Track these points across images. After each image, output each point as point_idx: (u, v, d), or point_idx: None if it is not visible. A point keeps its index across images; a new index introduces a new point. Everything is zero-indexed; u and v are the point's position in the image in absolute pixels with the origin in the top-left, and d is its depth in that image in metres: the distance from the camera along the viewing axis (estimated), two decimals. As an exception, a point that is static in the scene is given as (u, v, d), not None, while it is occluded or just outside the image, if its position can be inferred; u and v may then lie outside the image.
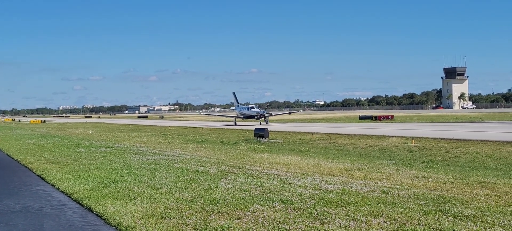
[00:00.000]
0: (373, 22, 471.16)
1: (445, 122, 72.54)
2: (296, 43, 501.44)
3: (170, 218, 13.57)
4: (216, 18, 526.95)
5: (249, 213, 13.88)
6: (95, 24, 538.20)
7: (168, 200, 16.04)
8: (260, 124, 74.61)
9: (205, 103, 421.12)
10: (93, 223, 13.88)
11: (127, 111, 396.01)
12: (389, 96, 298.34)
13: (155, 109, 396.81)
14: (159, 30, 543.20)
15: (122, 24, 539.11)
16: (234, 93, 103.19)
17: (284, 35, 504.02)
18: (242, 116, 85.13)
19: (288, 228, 12.24)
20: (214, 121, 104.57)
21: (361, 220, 12.76)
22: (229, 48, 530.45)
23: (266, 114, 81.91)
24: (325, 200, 15.45)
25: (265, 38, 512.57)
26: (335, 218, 13.08)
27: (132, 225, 13.01)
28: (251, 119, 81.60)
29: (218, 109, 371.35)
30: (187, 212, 14.24)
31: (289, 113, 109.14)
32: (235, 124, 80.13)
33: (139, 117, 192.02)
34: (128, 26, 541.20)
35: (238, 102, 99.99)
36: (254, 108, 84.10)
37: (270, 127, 63.67)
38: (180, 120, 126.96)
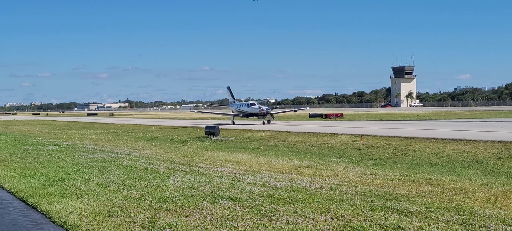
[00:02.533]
0: (324, 21, 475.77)
1: (393, 120, 73.69)
2: (249, 41, 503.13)
3: (117, 216, 13.43)
4: (168, 15, 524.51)
5: (198, 211, 13.85)
6: (45, 20, 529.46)
7: (116, 198, 15.88)
8: (264, 123, 68.18)
9: (156, 101, 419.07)
10: (38, 221, 13.63)
11: (76, 108, 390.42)
12: (339, 94, 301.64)
13: (105, 107, 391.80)
14: (111, 26, 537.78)
15: (73, 21, 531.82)
16: (228, 88, 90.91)
17: (236, 33, 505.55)
18: (241, 114, 75.13)
19: (236, 225, 12.26)
20: (208, 119, 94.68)
21: (309, 217, 12.86)
22: (182, 46, 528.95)
23: (272, 112, 75.38)
24: (274, 197, 15.52)
25: (217, 36, 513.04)
26: (283, 215, 13.16)
27: (78, 223, 12.82)
28: (250, 117, 73.59)
29: (168, 107, 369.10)
30: (135, 210, 14.12)
31: (295, 111, 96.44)
32: (233, 123, 72.20)
33: (88, 115, 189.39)
34: (79, 23, 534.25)
35: (234, 98, 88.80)
36: (255, 104, 74.32)
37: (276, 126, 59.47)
38: (131, 118, 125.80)
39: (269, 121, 70.66)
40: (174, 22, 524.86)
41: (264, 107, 72.30)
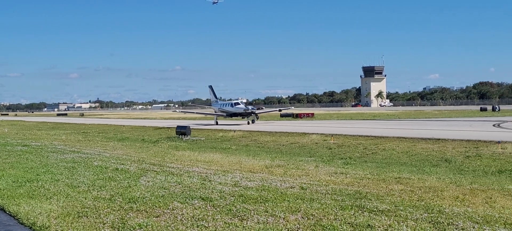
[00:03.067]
0: (296, 21, 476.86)
1: (364, 120, 74.24)
2: (220, 41, 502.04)
3: (87, 217, 13.33)
4: (140, 14, 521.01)
5: (168, 211, 13.80)
6: (15, 20, 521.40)
7: (85, 199, 15.76)
8: (249, 123, 66.64)
9: (127, 101, 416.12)
10: (6, 223, 13.47)
11: (46, 109, 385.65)
12: (310, 94, 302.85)
13: (76, 107, 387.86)
14: (82, 26, 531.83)
15: (43, 21, 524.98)
16: (210, 86, 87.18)
17: (208, 33, 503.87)
18: (224, 114, 72.21)
19: (206, 225, 12.25)
20: (191, 119, 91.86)
21: (279, 216, 12.91)
22: (153, 46, 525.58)
23: (257, 112, 73.05)
24: (245, 197, 15.54)
25: (189, 35, 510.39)
26: (253, 214, 13.18)
27: (47, 224, 12.70)
28: (235, 117, 71.07)
29: (139, 107, 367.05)
30: (105, 210, 14.03)
31: (280, 110, 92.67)
32: (217, 123, 69.55)
33: (58, 115, 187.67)
34: (49, 23, 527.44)
35: (216, 98, 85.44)
36: (239, 104, 72.10)
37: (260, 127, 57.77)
38: (101, 118, 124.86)
39: (253, 121, 68.78)
40: (145, 22, 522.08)
41: (249, 107, 70.76)
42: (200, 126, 62.55)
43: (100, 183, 18.94)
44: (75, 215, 13.62)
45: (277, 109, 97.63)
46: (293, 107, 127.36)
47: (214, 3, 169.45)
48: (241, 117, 70.28)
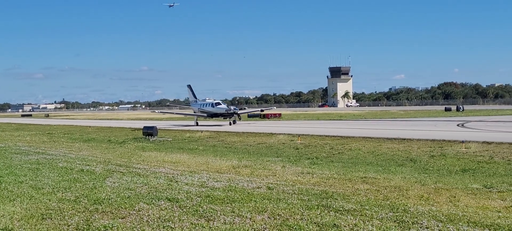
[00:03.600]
0: (262, 21, 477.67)
1: (330, 120, 74.73)
2: (187, 41, 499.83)
3: (51, 219, 13.16)
4: (106, 14, 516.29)
5: (134, 212, 13.70)
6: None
7: (49, 201, 15.55)
8: (230, 124, 65.01)
9: (93, 102, 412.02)
10: (-32, 226, 13.23)
11: (10, 110, 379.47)
12: (277, 94, 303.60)
13: (41, 108, 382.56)
14: (47, 26, 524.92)
15: (7, 20, 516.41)
16: (189, 86, 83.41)
17: (175, 33, 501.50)
18: (205, 114, 69.99)
19: (173, 226, 12.19)
20: (170, 119, 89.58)
21: (246, 216, 12.91)
22: (120, 46, 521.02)
23: (239, 112, 71.24)
24: (212, 197, 15.50)
25: (156, 36, 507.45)
26: (220, 215, 13.16)
27: (10, 227, 12.50)
28: (216, 118, 69.13)
29: (106, 107, 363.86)
30: (70, 212, 13.86)
31: (262, 111, 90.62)
32: (197, 124, 67.74)
33: (23, 116, 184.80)
34: (13, 22, 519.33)
35: (195, 98, 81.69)
36: (221, 104, 69.96)
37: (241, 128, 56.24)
38: (67, 119, 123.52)
39: (234, 121, 67.04)
40: (112, 22, 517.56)
41: (231, 107, 69.37)
42: (180, 127, 61.19)
43: (65, 184, 18.71)
44: (39, 217, 13.44)
45: (259, 109, 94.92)
46: (274, 108, 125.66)
47: (170, 6, 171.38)
48: (222, 118, 68.61)
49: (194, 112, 75.14)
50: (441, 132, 40.63)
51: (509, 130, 41.32)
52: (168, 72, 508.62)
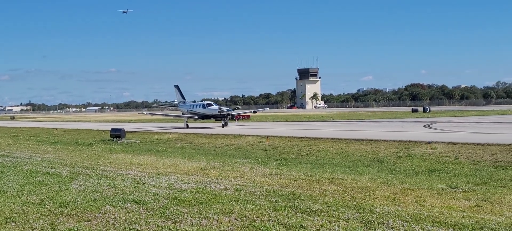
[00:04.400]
0: (231, 23, 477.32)
1: (299, 121, 74.94)
2: (156, 43, 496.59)
3: (15, 223, 12.97)
4: (74, 16, 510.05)
5: (100, 215, 13.58)
6: None
7: (14, 204, 15.33)
8: (223, 126, 60.38)
9: (60, 104, 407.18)
10: None
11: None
12: (246, 96, 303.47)
13: (6, 110, 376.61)
14: (13, 27, 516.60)
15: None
16: (177, 86, 77.88)
17: (143, 35, 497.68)
18: (195, 116, 65.73)
19: (139, 228, 12.11)
20: (158, 121, 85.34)
21: (213, 218, 12.88)
22: (88, 47, 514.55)
23: (233, 113, 66.41)
24: (179, 199, 15.44)
25: (124, 37, 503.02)
26: (187, 217, 13.11)
27: (-27, 231, 12.30)
28: (207, 119, 65.33)
29: (73, 109, 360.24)
30: (34, 215, 13.68)
31: (255, 112, 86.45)
32: (187, 126, 64.06)
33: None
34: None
35: (184, 99, 76.43)
36: (212, 105, 65.73)
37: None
38: (33, 121, 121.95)
39: (226, 123, 62.14)
40: (80, 23, 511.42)
41: (224, 108, 64.51)
42: (170, 130, 57.77)
43: (30, 187, 18.48)
44: (2, 221, 13.24)
45: (252, 111, 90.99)
46: (268, 108, 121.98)
47: (124, 12, 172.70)
48: (214, 119, 64.91)
49: (183, 114, 71.22)
50: (407, 133, 41.02)
51: (474, 131, 41.89)
52: (137, 74, 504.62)
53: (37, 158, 30.70)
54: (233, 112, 66.90)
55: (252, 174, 21.65)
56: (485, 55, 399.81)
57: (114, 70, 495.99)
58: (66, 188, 18.03)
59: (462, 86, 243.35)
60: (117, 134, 46.31)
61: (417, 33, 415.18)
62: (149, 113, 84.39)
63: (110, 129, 50.35)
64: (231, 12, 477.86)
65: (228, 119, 62.99)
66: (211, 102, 68.91)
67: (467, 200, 15.17)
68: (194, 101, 76.40)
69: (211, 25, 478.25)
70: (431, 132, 43.53)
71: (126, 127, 66.52)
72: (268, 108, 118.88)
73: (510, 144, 28.24)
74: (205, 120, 66.04)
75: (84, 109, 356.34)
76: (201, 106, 66.20)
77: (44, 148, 40.21)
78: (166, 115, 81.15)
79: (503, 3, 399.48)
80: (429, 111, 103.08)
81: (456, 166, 23.73)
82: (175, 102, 77.73)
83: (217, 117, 63.19)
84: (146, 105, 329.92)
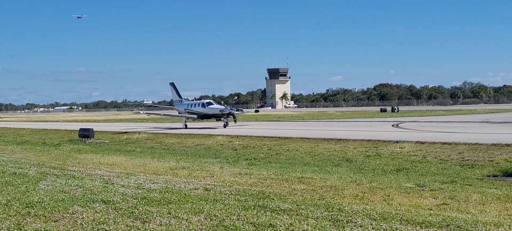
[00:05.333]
0: (202, 23, 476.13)
1: (269, 121, 75.06)
2: (126, 42, 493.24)
3: (-19, 224, 12.78)
4: (42, 15, 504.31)
5: (68, 215, 13.43)
6: None
7: (-21, 205, 15.08)
8: (225, 126, 56.79)
9: (27, 103, 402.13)
10: None
11: None
12: (216, 96, 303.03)
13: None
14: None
15: None
16: (173, 84, 74.31)
17: (113, 34, 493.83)
18: (194, 115, 62.17)
19: (107, 229, 12.00)
20: (155, 121, 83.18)
21: (182, 218, 12.83)
22: (56, 47, 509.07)
23: (236, 113, 61.12)
24: (148, 199, 15.35)
25: (93, 36, 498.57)
26: (156, 216, 13.04)
27: None
28: (207, 119, 61.71)
29: (41, 109, 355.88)
30: (1, 216, 13.46)
31: (257, 111, 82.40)
32: (186, 127, 60.41)
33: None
34: None
35: (180, 97, 72.67)
36: (213, 104, 62.00)
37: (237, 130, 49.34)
38: (0, 121, 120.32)
39: (227, 124, 57.72)
40: (48, 22, 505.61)
41: (226, 107, 60.60)
42: (165, 130, 55.97)
43: (-4, 188, 18.20)
44: (-32, 221, 13.02)
45: (254, 110, 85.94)
46: (270, 107, 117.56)
47: (78, 17, 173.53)
48: (215, 119, 61.28)
49: (179, 113, 67.93)
50: (376, 132, 41.36)
51: (442, 130, 42.39)
52: (106, 74, 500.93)
53: (4, 158, 30.28)
54: (236, 112, 61.76)
55: (222, 173, 21.64)
56: (452, 56, 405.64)
57: (83, 70, 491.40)
58: (33, 189, 17.79)
59: (430, 86, 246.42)
60: (85, 133, 45.94)
61: (386, 34, 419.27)
62: (145, 113, 79.84)
63: (78, 129, 49.88)
64: (201, 13, 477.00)
65: (228, 118, 58.52)
66: (211, 101, 65.05)
67: (434, 198, 15.37)
68: (193, 100, 73.39)
69: (181, 26, 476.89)
70: (399, 131, 43.94)
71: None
72: (270, 108, 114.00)
73: (476, 143, 28.64)
74: (204, 120, 62.90)
75: (52, 109, 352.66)
76: (200, 105, 62.75)
77: (10, 148, 39.72)
78: (163, 115, 76.69)
79: (469, 4, 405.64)
80: (398, 111, 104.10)
81: (423, 164, 24.02)
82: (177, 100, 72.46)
83: (218, 117, 59.43)
84: (115, 105, 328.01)
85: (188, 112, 63.81)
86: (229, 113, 57.86)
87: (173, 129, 57.65)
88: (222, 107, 60.45)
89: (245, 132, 46.29)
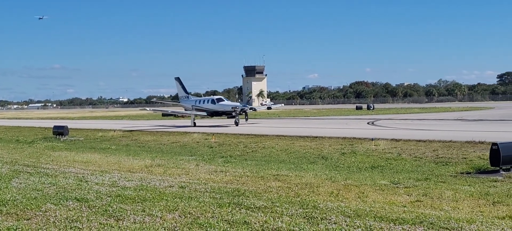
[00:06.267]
0: (177, 19, 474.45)
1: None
2: (102, 39, 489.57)
3: (-48, 222, 12.58)
4: (16, 10, 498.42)
5: (41, 213, 13.27)
6: None
7: (-50, 203, 14.85)
8: (236, 124, 53.91)
9: (1, 100, 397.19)
10: None
11: None
12: (192, 93, 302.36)
13: None
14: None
15: None
16: (178, 79, 70.18)
17: (89, 31, 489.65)
18: (204, 113, 58.97)
19: (80, 227, 11.89)
20: (160, 118, 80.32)
21: (157, 215, 12.75)
22: (31, 43, 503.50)
23: (247, 109, 58.50)
24: (122, 197, 15.24)
25: (69, 33, 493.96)
26: (130, 214, 12.94)
27: None
28: (217, 116, 59.30)
29: (14, 106, 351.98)
30: (-28, 214, 13.29)
31: (269, 108, 77.01)
32: (194, 124, 56.92)
33: None
34: None
35: (187, 93, 69.03)
36: (223, 100, 59.44)
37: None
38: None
39: (238, 122, 54.81)
40: (23, 19, 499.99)
41: (238, 104, 57.85)
42: (172, 128, 53.37)
43: (-32, 186, 17.94)
44: None
45: (266, 106, 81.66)
46: (283, 104, 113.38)
47: (39, 18, 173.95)
48: (226, 116, 58.33)
49: (186, 109, 64.90)
50: (352, 130, 41.58)
51: (417, 128, 42.75)
52: (82, 71, 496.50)
53: (-24, 156, 29.90)
54: (248, 109, 59.10)
55: (197, 171, 21.59)
56: (427, 54, 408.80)
57: (58, 66, 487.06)
58: (6, 186, 17.57)
59: (405, 84, 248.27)
60: (60, 131, 45.54)
61: (362, 32, 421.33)
62: (152, 110, 76.02)
63: (53, 126, 49.43)
64: (177, 9, 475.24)
65: (246, 115, 56.63)
66: (222, 97, 63.45)
67: (408, 195, 15.47)
68: (201, 96, 70.93)
69: (157, 22, 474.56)
70: (374, 129, 44.26)
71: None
72: (283, 104, 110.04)
73: (450, 141, 28.93)
74: (214, 117, 60.43)
75: (26, 106, 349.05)
76: (210, 101, 60.26)
77: (-17, 145, 39.21)
78: (171, 112, 72.32)
79: (444, 3, 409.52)
80: (373, 108, 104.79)
81: (398, 162, 24.19)
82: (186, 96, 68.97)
83: (230, 114, 56.89)
84: (90, 102, 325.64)
85: (196, 109, 61.18)
86: (241, 111, 55.86)
87: (181, 127, 54.88)
88: (235, 104, 58.31)
89: (257, 130, 44.79)
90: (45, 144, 39.44)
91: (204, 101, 61.77)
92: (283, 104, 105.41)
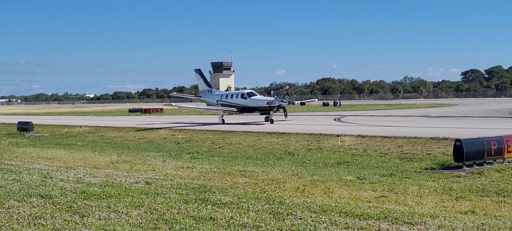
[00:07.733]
0: (144, 15, 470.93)
1: (212, 115, 74.82)
2: (68, 34, 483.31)
3: None
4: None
5: (4, 210, 13.10)
6: None
7: None
8: (271, 122, 47.89)
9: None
10: None
11: None
12: (159, 89, 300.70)
13: None
14: None
15: None
16: (199, 71, 62.65)
17: (54, 25, 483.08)
18: (234, 109, 52.16)
19: (44, 224, 11.76)
20: (181, 114, 76.70)
21: (122, 212, 12.68)
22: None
23: (286, 105, 50.38)
24: (87, 193, 15.12)
25: (35, 27, 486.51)
26: (95, 210, 12.85)
27: None
28: (248, 112, 52.22)
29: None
30: None
31: (302, 103, 68.63)
32: (223, 122, 49.86)
33: None
34: None
35: (210, 86, 61.57)
36: (255, 94, 52.59)
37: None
38: None
39: (272, 120, 48.71)
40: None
41: (275, 99, 49.28)
42: (200, 126, 47.14)
43: None
44: None
45: (299, 102, 72.68)
46: (316, 100, 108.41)
47: None
48: (258, 113, 51.64)
49: (208, 105, 57.84)
50: (318, 126, 41.79)
51: (382, 124, 43.14)
52: (47, 66, 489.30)
53: None
54: (286, 104, 51.25)
55: (164, 167, 21.53)
56: (393, 51, 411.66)
57: (23, 61, 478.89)
58: (-32, 183, 17.31)
59: (371, 81, 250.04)
60: (24, 127, 44.93)
61: (329, 29, 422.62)
62: (176, 105, 63.24)
63: (17, 122, 48.73)
64: (145, 5, 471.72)
65: (284, 111, 50.02)
66: (254, 91, 56.00)
67: (373, 191, 15.63)
68: (227, 90, 64.07)
69: (124, 17, 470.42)
70: (341, 125, 44.52)
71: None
72: (316, 100, 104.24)
73: (415, 137, 29.26)
74: (244, 113, 53.02)
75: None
76: (239, 95, 52.68)
77: None
78: (199, 108, 62.60)
79: (409, 1, 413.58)
80: (340, 105, 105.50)
81: (364, 158, 24.39)
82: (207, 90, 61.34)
83: (265, 110, 49.85)
84: (56, 98, 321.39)
85: (222, 104, 54.27)
86: (279, 106, 48.79)
87: (208, 124, 48.96)
88: (270, 98, 50.05)
89: (293, 128, 39.78)
90: (9, 140, 38.88)
91: (231, 95, 54.91)
92: (316, 100, 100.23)
